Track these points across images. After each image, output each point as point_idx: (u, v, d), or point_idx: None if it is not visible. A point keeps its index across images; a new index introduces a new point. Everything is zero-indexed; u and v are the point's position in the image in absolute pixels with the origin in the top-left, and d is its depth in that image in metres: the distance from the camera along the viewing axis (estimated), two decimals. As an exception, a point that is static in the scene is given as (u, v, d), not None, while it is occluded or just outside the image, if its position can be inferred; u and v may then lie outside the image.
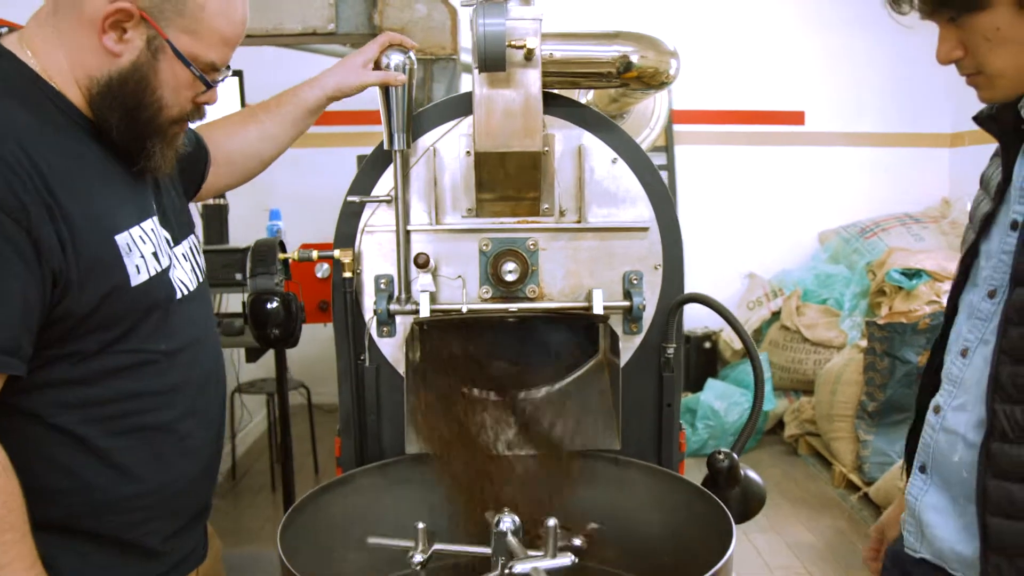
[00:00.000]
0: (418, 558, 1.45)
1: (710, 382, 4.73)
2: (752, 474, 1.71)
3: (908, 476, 1.46)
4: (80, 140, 1.26)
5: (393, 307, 1.81)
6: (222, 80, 1.38)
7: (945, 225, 4.90)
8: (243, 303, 1.77)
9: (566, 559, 1.44)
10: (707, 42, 5.40)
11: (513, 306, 1.79)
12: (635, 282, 1.85)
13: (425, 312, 1.76)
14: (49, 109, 1.23)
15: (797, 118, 5.57)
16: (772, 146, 5.56)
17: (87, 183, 1.24)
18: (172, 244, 1.41)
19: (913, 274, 4.39)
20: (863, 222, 5.22)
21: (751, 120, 5.54)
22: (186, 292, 1.40)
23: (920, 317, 3.84)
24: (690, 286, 5.75)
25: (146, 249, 1.30)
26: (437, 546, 1.46)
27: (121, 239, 1.26)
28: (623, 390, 1.82)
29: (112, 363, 1.27)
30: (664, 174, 5.48)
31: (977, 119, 1.33)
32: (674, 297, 1.86)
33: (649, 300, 1.86)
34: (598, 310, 1.76)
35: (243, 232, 3.16)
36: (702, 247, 5.56)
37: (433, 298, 1.82)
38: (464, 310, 1.77)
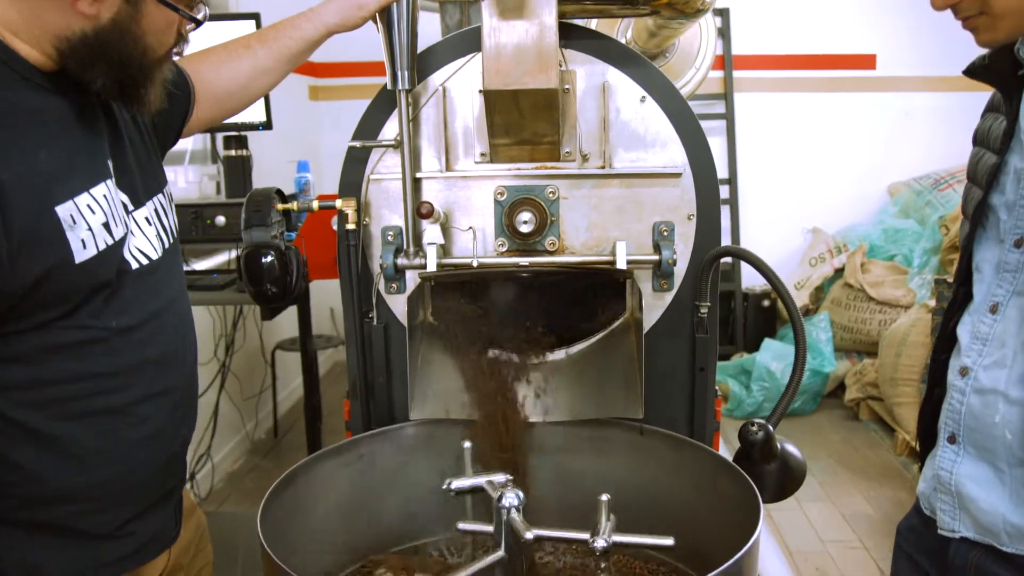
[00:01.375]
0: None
1: (767, 342, 4.51)
2: (791, 448, 1.54)
3: (923, 451, 1.41)
4: (23, 97, 1.12)
5: (400, 261, 1.68)
6: (206, 7, 1.25)
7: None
8: (237, 257, 1.64)
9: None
10: (770, -19, 5.10)
11: (528, 260, 1.64)
12: (665, 234, 1.68)
13: (432, 266, 1.62)
14: None
15: (867, 62, 5.24)
16: (839, 92, 5.25)
17: (26, 147, 1.10)
18: (132, 208, 1.27)
19: (989, 229, 4.09)
20: (937, 173, 4.90)
21: (817, 65, 5.23)
22: (146, 263, 1.26)
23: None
24: (748, 240, 5.54)
25: (95, 220, 1.15)
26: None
27: (63, 210, 1.11)
28: (652, 353, 1.66)
29: (50, 340, 1.14)
30: (723, 123, 5.22)
31: (969, 71, 1.25)
32: (709, 250, 1.68)
33: (682, 254, 1.69)
34: (622, 264, 1.59)
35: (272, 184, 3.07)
36: (762, 200, 5.33)
37: (445, 251, 1.69)
38: (474, 264, 1.62)
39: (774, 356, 4.35)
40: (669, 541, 1.29)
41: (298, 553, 1.44)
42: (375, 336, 1.75)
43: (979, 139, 1.34)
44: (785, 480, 1.53)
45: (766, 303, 4.99)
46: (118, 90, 1.18)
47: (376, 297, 1.74)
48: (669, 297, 1.72)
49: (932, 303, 3.94)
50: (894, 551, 1.46)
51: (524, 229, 1.63)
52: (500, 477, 1.37)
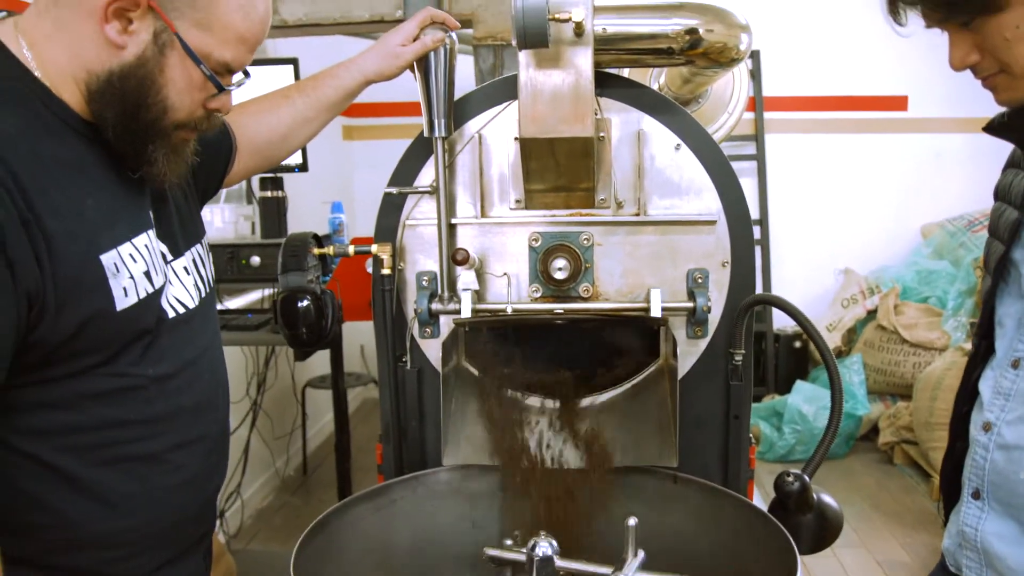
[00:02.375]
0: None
1: (799, 384, 4.47)
2: (827, 498, 1.53)
3: (947, 505, 1.39)
4: (71, 146, 1.14)
5: (435, 306, 1.69)
6: (237, 86, 1.25)
7: (1063, 218, 4.51)
8: (273, 301, 1.66)
9: None
10: (800, 23, 5.12)
11: (562, 307, 1.64)
12: (700, 281, 1.68)
13: (467, 312, 1.63)
14: (38, 110, 1.11)
15: (899, 103, 5.23)
16: (871, 133, 5.24)
17: (74, 195, 1.11)
18: (171, 258, 1.29)
19: (1025, 272, 4.04)
20: (971, 214, 4.86)
21: (848, 106, 5.23)
22: (182, 312, 1.28)
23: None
24: (780, 281, 5.51)
25: (136, 269, 1.17)
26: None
27: (107, 258, 1.13)
28: (685, 400, 1.65)
29: (90, 387, 1.15)
30: (754, 164, 5.22)
31: (989, 129, 1.26)
32: (744, 298, 1.68)
33: (716, 301, 1.69)
34: (656, 312, 1.59)
35: (306, 226, 3.11)
36: (794, 241, 5.31)
37: (479, 297, 1.70)
38: (509, 311, 1.63)
39: (806, 399, 4.31)
40: None
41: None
42: (408, 380, 1.75)
43: (1000, 194, 1.35)
44: (822, 531, 1.51)
45: (798, 344, 4.94)
46: (128, 140, 1.16)
47: (410, 342, 1.75)
48: (703, 344, 1.72)
49: (968, 346, 3.88)
50: None
51: (558, 276, 1.64)
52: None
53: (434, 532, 1.64)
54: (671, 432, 1.61)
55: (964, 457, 1.32)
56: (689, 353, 1.71)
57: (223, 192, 3.20)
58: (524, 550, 1.31)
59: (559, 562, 1.29)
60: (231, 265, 2.61)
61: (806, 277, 5.18)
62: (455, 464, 1.63)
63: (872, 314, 4.70)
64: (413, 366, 1.75)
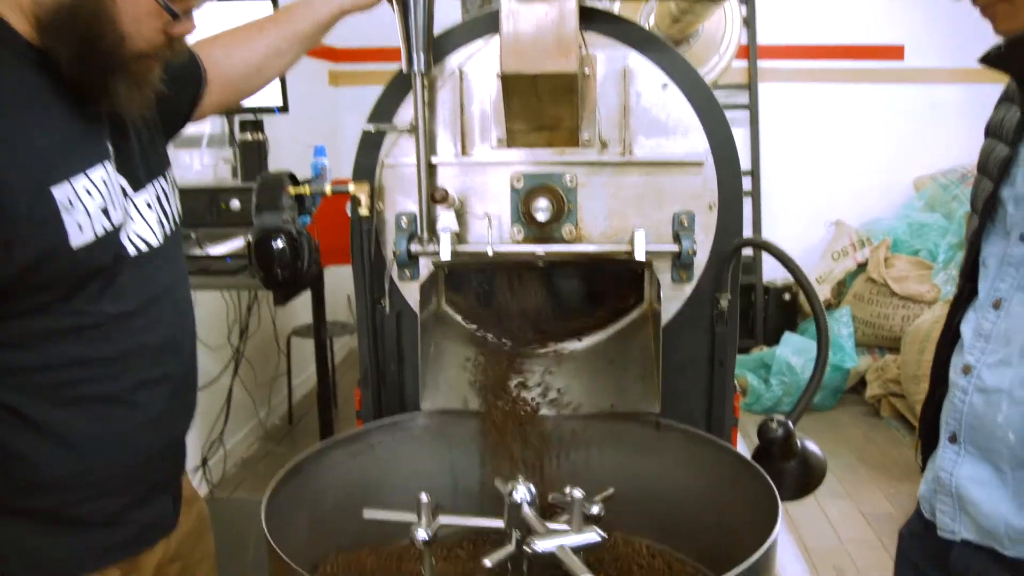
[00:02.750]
0: (422, 534, 1.28)
1: (787, 336, 4.46)
2: (811, 446, 1.50)
3: (924, 452, 1.37)
4: (19, 75, 1.08)
5: (414, 248, 1.64)
6: (197, 7, 1.19)
7: (1057, 171, 4.47)
8: (247, 242, 1.61)
9: (593, 535, 1.26)
10: (797, -30, 5.02)
11: (544, 248, 1.60)
12: (686, 224, 1.63)
13: (446, 254, 1.58)
14: None
15: (895, 53, 5.15)
16: (866, 83, 5.16)
17: (22, 125, 1.06)
18: (132, 191, 1.23)
19: (1017, 224, 4.01)
20: (964, 167, 4.81)
21: (843, 55, 5.15)
22: (145, 249, 1.23)
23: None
24: (770, 233, 5.47)
25: (92, 204, 1.12)
26: (443, 519, 1.29)
27: (60, 192, 1.08)
28: (669, 346, 1.62)
29: (47, 325, 1.11)
30: (746, 113, 5.15)
31: (985, 59, 1.19)
32: (731, 241, 1.63)
33: (702, 244, 1.65)
34: (640, 255, 1.55)
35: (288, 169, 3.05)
36: (785, 192, 5.26)
37: (459, 239, 1.65)
38: (490, 252, 1.58)
39: (794, 350, 4.30)
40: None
41: (303, 544, 1.42)
42: (387, 324, 1.72)
43: (991, 130, 1.30)
44: (805, 478, 1.49)
45: (787, 296, 4.92)
46: (85, 72, 1.11)
47: (389, 284, 1.71)
48: (688, 289, 1.68)
49: (957, 299, 3.87)
50: (896, 557, 1.42)
51: (541, 217, 1.59)
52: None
53: (413, 477, 1.61)
54: (654, 378, 1.58)
55: (943, 403, 1.29)
56: (674, 298, 1.67)
57: (205, 136, 3.14)
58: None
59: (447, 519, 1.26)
60: (211, 210, 2.55)
61: (797, 229, 5.13)
62: (433, 409, 1.60)
63: (862, 267, 4.67)
64: (392, 309, 1.71)
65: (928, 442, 1.34)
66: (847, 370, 4.35)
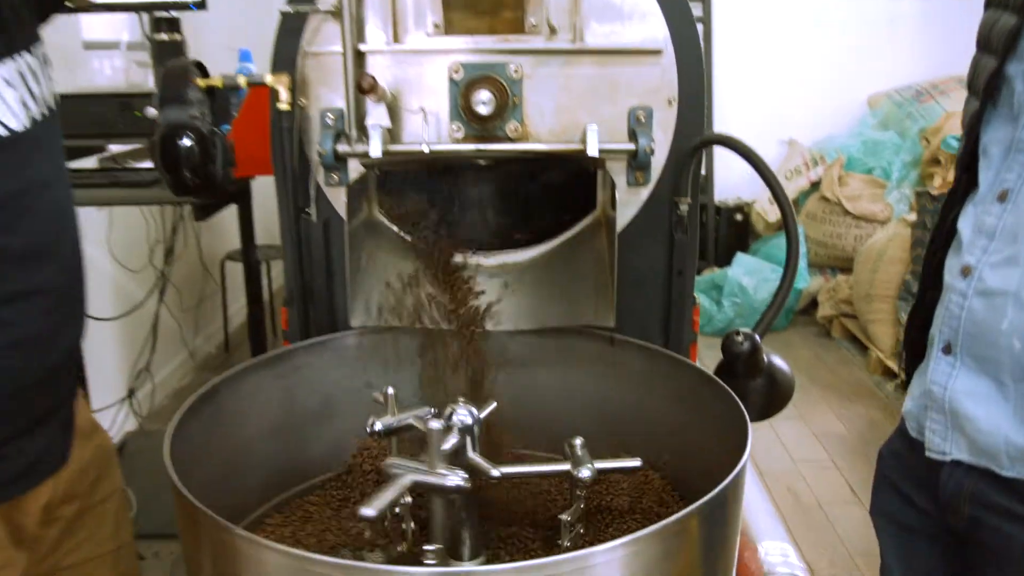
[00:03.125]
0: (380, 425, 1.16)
1: (739, 256, 4.37)
2: (778, 361, 1.38)
3: (909, 365, 1.25)
4: None
5: (341, 147, 1.46)
6: None
7: (1012, 87, 4.39)
8: (150, 141, 1.42)
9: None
10: None
11: (488, 147, 1.43)
12: (642, 120, 1.48)
13: (376, 152, 1.40)
14: None
15: (852, -36, 5.00)
16: (820, -5, 5.01)
17: None
18: None
19: (973, 141, 3.94)
20: (919, 84, 4.72)
21: (799, -34, 4.98)
22: (4, 134, 1.04)
23: (980, 187, 3.42)
24: (720, 152, 5.30)
25: None
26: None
27: None
28: (624, 256, 1.47)
29: None
30: (699, 27, 4.96)
31: None
32: (692, 139, 1.49)
33: (660, 144, 1.50)
34: (593, 151, 1.39)
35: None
36: (737, 110, 5.12)
37: (392, 137, 1.48)
38: (426, 150, 1.41)
39: (746, 271, 4.21)
40: (636, 462, 1.17)
41: (218, 482, 1.26)
42: (313, 234, 1.55)
43: (990, 5, 1.16)
44: (771, 396, 1.37)
45: (739, 217, 4.83)
46: None
47: (315, 190, 1.53)
48: (645, 193, 1.53)
49: (912, 217, 3.80)
50: (875, 480, 1.31)
51: (482, 111, 1.42)
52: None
53: (344, 402, 1.46)
54: (608, 289, 1.44)
55: (934, 309, 1.17)
56: (629, 203, 1.52)
57: (122, 42, 2.87)
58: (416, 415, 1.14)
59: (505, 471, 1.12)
60: (123, 117, 2.32)
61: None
62: (364, 325, 1.44)
63: (815, 185, 4.59)
64: (319, 218, 1.54)
65: (915, 354, 1.23)
66: (799, 291, 4.30)
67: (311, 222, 1.54)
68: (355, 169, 1.50)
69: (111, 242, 2.55)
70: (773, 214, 4.64)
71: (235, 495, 1.32)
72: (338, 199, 1.52)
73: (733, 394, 1.21)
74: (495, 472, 1.10)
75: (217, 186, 1.48)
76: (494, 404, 1.20)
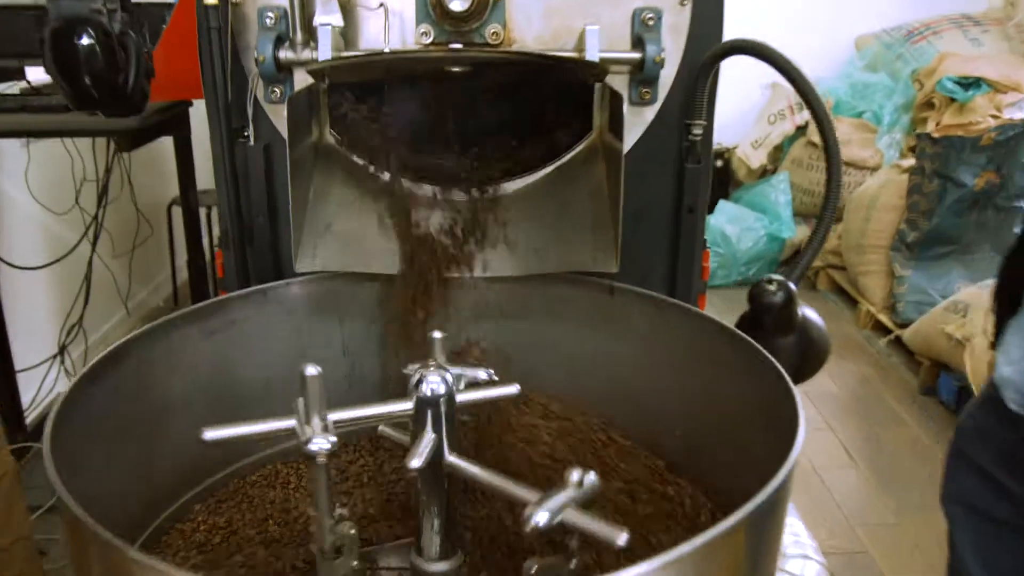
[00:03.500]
0: (318, 444, 0.88)
1: (721, 204, 4.14)
2: (812, 315, 1.15)
3: (1000, 320, 1.00)
4: None
5: (284, 54, 1.21)
6: None
7: (1010, 28, 4.17)
8: (39, 39, 1.14)
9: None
10: None
11: (461, 51, 1.17)
12: (650, 24, 1.23)
13: (325, 52, 1.14)
14: None
15: None
16: (810, -68, 4.73)
17: None
18: None
19: (970, 83, 3.71)
20: (909, 24, 4.47)
21: None
22: None
23: (983, 131, 3.21)
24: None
25: None
26: (335, 415, 0.89)
27: None
28: (624, 190, 1.23)
29: None
30: (681, -39, 4.67)
31: None
32: (708, 48, 1.24)
33: (671, 54, 1.25)
34: (592, 55, 1.14)
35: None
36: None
37: (347, 41, 1.21)
38: (386, 49, 1.15)
39: (729, 219, 3.99)
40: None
41: (130, 468, 1.01)
42: (252, 162, 1.28)
43: None
44: (805, 358, 1.15)
45: (719, 163, 4.58)
46: None
47: (253, 107, 1.27)
48: (650, 114, 1.29)
49: (905, 163, 3.58)
50: (950, 460, 1.08)
51: (457, 8, 1.16)
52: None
53: (289, 363, 1.21)
54: (609, 229, 1.20)
55: None
56: (632, 125, 1.28)
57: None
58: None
59: (340, 413, 0.88)
60: (39, 34, 2.00)
61: (730, 93, 4.72)
62: (312, 271, 1.19)
63: (801, 130, 4.35)
64: (258, 141, 1.28)
65: (1008, 305, 0.99)
66: (783, 240, 4.08)
67: (248, 147, 1.27)
68: (301, 82, 1.24)
69: (31, 179, 2.24)
70: (756, 159, 4.41)
71: (152, 482, 1.08)
72: (281, 118, 1.26)
73: (766, 354, 0.98)
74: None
75: (129, 101, 1.21)
76: (515, 387, 0.94)
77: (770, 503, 0.73)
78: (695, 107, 1.26)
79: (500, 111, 1.29)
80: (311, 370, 0.80)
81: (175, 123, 1.99)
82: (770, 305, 1.08)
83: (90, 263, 2.62)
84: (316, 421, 0.81)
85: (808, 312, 1.15)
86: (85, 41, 1.12)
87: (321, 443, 0.79)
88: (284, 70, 1.22)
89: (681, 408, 1.15)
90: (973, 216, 3.27)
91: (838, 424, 2.82)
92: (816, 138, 4.16)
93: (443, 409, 0.86)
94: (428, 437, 0.85)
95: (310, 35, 1.20)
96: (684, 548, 0.65)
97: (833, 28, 4.79)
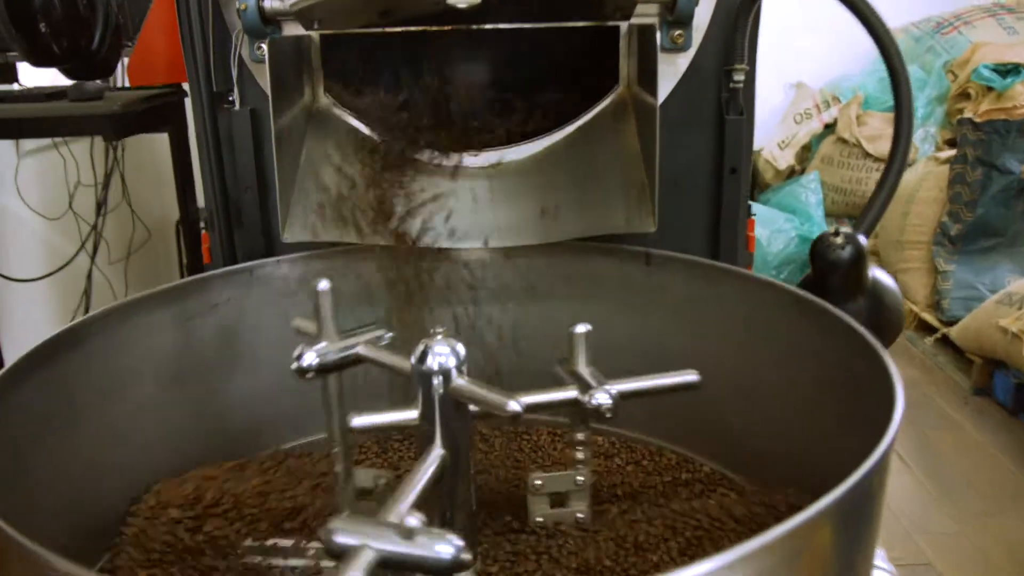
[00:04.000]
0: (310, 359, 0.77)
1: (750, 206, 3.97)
2: (884, 277, 0.99)
3: None
4: None
5: (270, 3, 1.06)
6: None
7: (1048, 14, 4.00)
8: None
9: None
10: None
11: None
12: (683, -44, 1.07)
13: (312, -6, 1.00)
14: None
15: None
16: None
17: None
18: None
19: (1008, 70, 3.55)
20: (939, 15, 4.31)
21: None
22: None
23: (1028, 114, 3.04)
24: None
25: None
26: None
27: None
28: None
29: None
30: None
31: None
32: (749, -18, 1.09)
33: (706, -6, 1.10)
34: (619, -17, 0.99)
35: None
36: (741, 51, 4.70)
37: (338, -13, 1.07)
38: (381, -8, 1.01)
39: (759, 221, 3.79)
40: (693, 376, 0.80)
41: (80, 475, 0.86)
42: (238, 128, 1.14)
43: None
44: (878, 326, 0.97)
45: (745, 166, 4.42)
46: None
47: (238, 66, 1.13)
48: (684, 62, 1.13)
49: (943, 155, 3.41)
50: None
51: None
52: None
53: (279, 353, 1.06)
54: (645, 186, 1.04)
55: None
56: (664, 75, 1.12)
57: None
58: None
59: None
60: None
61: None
62: (301, 239, 1.04)
63: (829, 128, 4.18)
64: (244, 106, 1.13)
65: None
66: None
67: (233, 112, 1.13)
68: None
69: (20, 182, 2.10)
70: (784, 160, 4.25)
71: (110, 487, 0.92)
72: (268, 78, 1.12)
73: (846, 317, 0.82)
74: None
75: (94, 60, 1.07)
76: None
77: (863, 488, 0.57)
78: (735, 50, 1.11)
79: (516, 62, 1.14)
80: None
81: (167, 114, 1.83)
82: (836, 262, 0.92)
83: (89, 275, 2.49)
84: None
85: (879, 273, 0.99)
86: (41, -13, 0.99)
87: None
88: (271, 23, 1.08)
89: (734, 392, 0.98)
90: (1020, 206, 3.09)
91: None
92: (846, 134, 3.99)
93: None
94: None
95: (298, -20, 1.06)
96: (755, 543, 0.49)
97: (858, 25, 4.63)
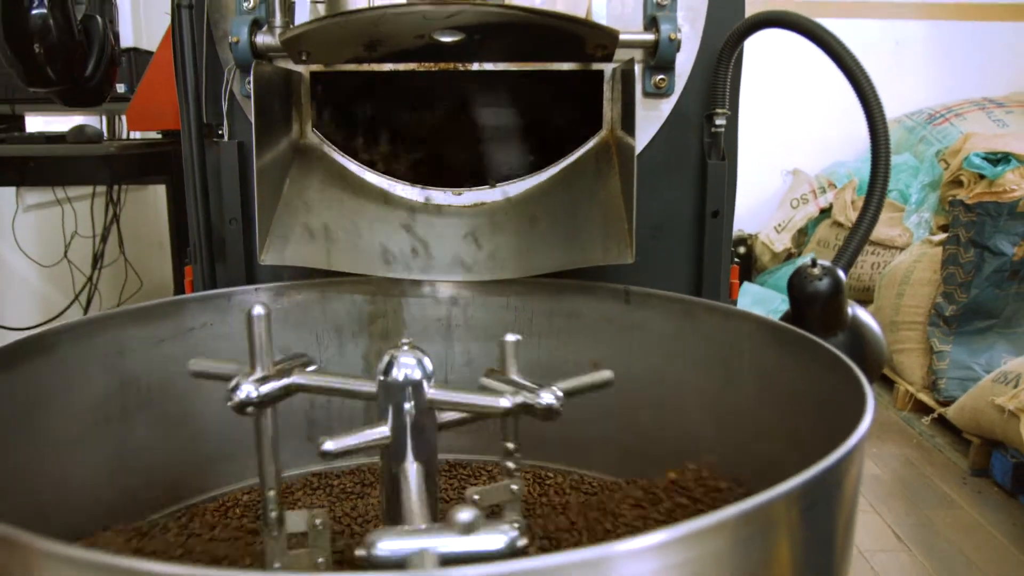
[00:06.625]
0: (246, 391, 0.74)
1: (746, 286, 3.98)
2: (863, 315, 0.99)
3: None
4: None
5: (262, 39, 1.09)
6: None
7: (1037, 107, 4.08)
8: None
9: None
10: None
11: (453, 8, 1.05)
12: (664, 2, 1.10)
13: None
14: None
15: (856, -17, 4.73)
16: (824, 19, 4.71)
17: None
18: None
19: (999, 159, 3.60)
20: (931, 108, 4.40)
21: (800, -15, 4.71)
22: None
23: (1018, 197, 3.06)
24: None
25: None
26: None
27: None
28: (638, 194, 1.08)
29: None
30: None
31: None
32: (731, 26, 1.12)
33: (688, 40, 1.12)
34: (599, 16, 1.01)
35: None
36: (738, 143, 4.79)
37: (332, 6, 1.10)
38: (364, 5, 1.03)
39: (755, 300, 3.82)
40: (608, 374, 0.80)
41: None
42: (226, 161, 1.15)
43: None
44: (860, 360, 0.97)
45: (742, 249, 4.45)
46: None
47: (228, 100, 1.15)
48: (667, 106, 1.15)
49: (936, 238, 3.43)
50: None
51: (449, -24, 1.04)
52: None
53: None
54: (623, 223, 1.04)
55: None
56: (647, 119, 1.14)
57: None
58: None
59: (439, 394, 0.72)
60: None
61: (750, 180, 4.64)
62: (279, 263, 1.04)
63: (825, 212, 4.23)
64: (232, 139, 1.15)
65: None
66: (812, 324, 3.90)
67: (222, 143, 1.15)
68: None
69: (16, 229, 2.11)
70: (780, 243, 4.27)
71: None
72: (258, 112, 1.13)
73: (827, 345, 0.81)
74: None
75: (87, 86, 1.09)
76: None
77: (827, 481, 0.55)
78: (717, 95, 1.13)
79: (500, 104, 1.16)
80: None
81: (165, 162, 1.85)
82: (815, 294, 0.91)
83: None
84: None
85: (859, 311, 0.98)
86: (37, 9, 1.01)
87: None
88: (262, 58, 1.11)
89: (713, 423, 0.96)
90: (1014, 288, 3.09)
91: (884, 507, 2.57)
92: (842, 218, 4.03)
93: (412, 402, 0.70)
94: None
95: (290, 18, 1.09)
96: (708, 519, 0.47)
97: (853, 114, 4.73)
